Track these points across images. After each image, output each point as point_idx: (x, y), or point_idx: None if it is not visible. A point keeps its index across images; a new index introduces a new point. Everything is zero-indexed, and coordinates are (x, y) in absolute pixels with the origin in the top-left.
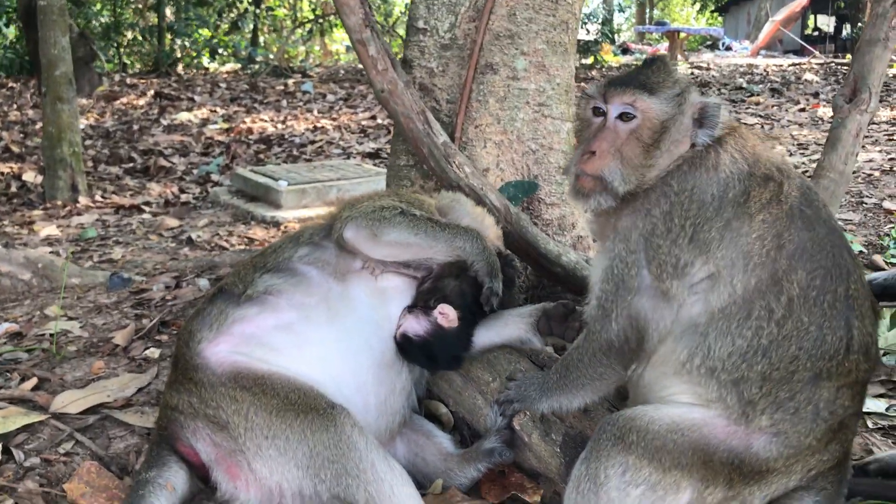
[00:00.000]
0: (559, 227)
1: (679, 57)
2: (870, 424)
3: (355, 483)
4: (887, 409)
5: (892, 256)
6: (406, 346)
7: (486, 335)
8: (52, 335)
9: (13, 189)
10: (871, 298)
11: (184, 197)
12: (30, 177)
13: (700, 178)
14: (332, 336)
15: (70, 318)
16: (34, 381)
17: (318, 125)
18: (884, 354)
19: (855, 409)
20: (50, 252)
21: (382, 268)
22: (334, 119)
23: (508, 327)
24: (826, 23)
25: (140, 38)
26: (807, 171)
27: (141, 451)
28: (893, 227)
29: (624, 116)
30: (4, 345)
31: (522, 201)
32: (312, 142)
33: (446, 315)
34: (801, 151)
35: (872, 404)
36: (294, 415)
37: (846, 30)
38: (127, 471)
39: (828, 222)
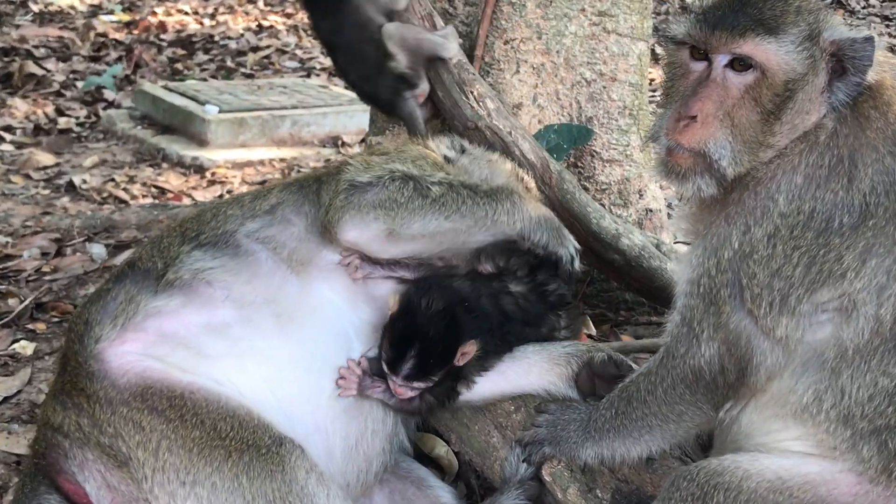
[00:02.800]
0: (620, 194)
1: None
2: None
3: None
4: None
5: None
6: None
7: (496, 383)
8: None
9: None
10: None
11: (63, 121)
12: None
13: (823, 196)
14: (284, 350)
15: None
16: None
17: (265, 23)
18: None
19: None
20: None
21: (371, 269)
22: (288, 16)
23: (531, 375)
24: None
25: None
26: None
27: (8, 486)
28: None
29: (737, 64)
30: None
31: (569, 154)
32: (255, 48)
33: (467, 353)
34: None
35: None
36: (224, 453)
37: None
38: None
39: None
